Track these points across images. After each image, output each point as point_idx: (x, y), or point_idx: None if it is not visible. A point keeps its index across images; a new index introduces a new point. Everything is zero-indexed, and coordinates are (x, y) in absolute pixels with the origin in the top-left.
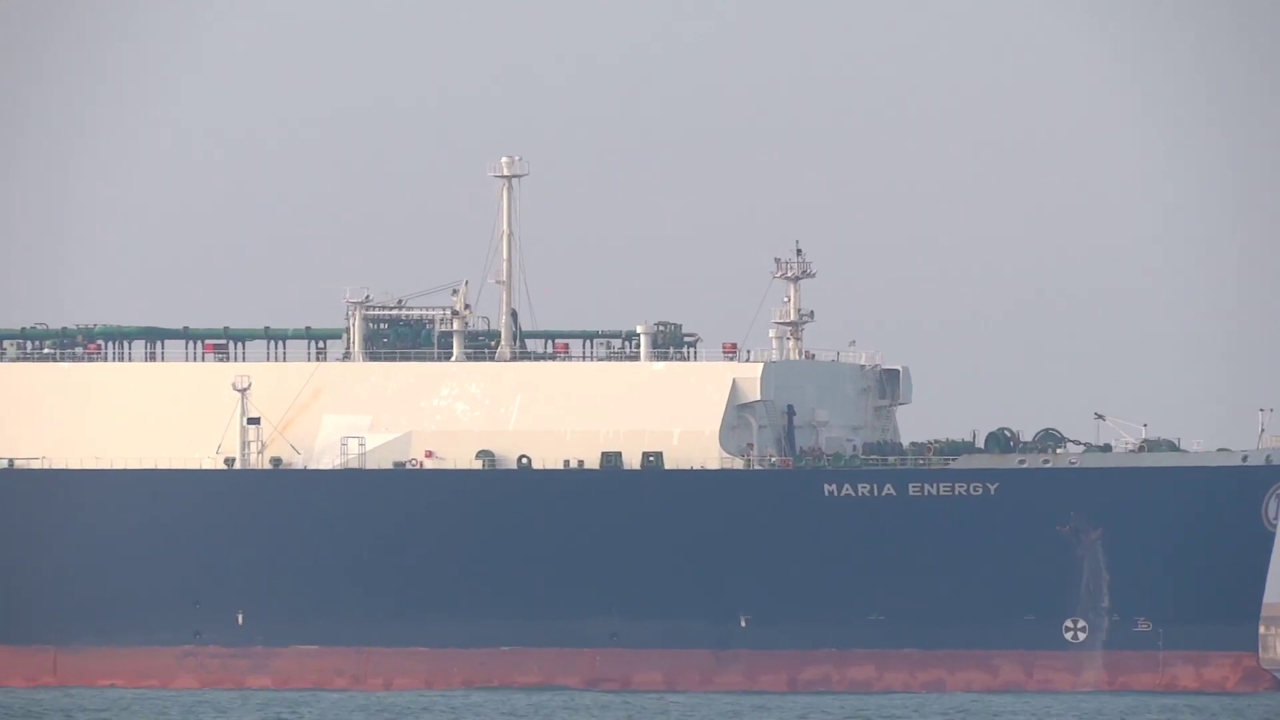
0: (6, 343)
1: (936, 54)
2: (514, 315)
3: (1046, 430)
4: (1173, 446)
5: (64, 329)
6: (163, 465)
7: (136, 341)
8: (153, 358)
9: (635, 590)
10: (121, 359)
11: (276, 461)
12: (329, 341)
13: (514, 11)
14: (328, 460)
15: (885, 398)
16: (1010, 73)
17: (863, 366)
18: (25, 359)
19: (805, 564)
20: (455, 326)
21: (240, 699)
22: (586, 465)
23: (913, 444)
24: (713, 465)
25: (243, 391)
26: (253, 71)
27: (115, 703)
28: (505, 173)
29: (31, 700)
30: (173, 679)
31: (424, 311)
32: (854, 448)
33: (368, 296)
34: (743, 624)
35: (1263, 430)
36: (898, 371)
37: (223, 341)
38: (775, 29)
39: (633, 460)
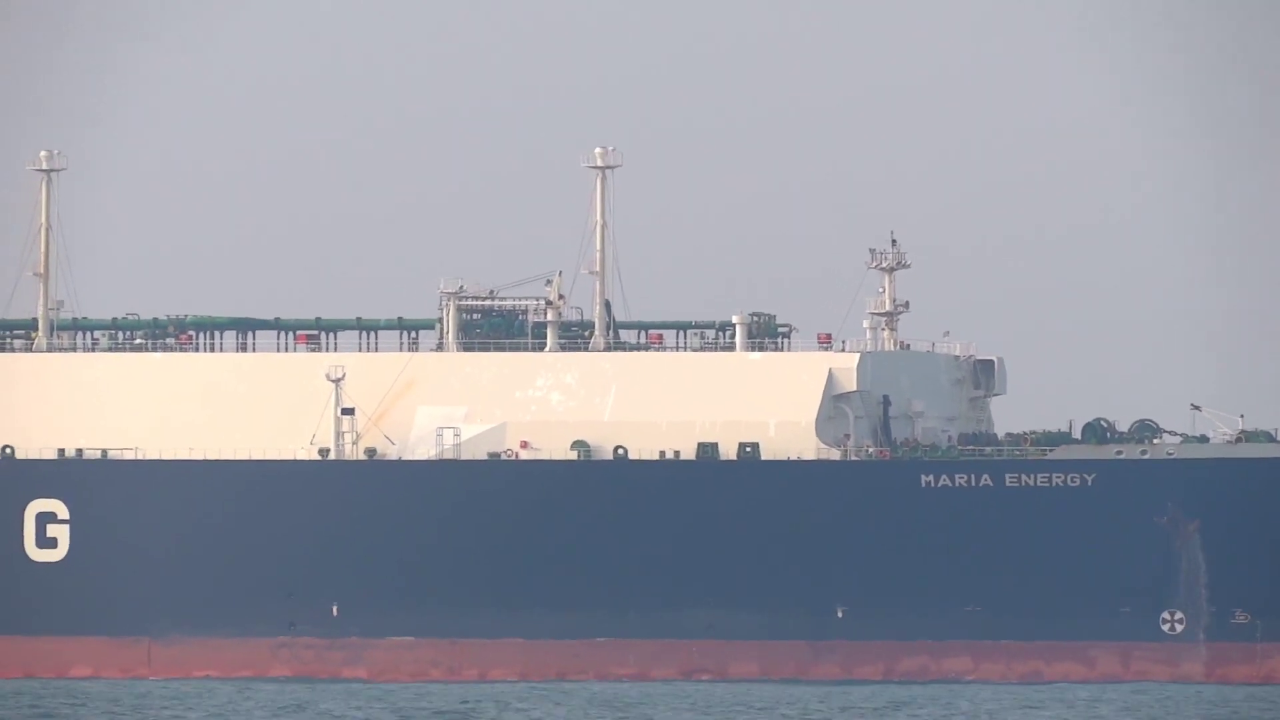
0: (98, 333)
1: (1019, 47)
2: (607, 306)
3: (1142, 421)
4: (1270, 438)
5: (155, 319)
6: (256, 456)
7: (228, 332)
8: (243, 348)
9: (732, 581)
10: (213, 349)
11: (371, 452)
12: (421, 332)
13: (602, 4)
14: (422, 451)
15: (979, 388)
16: (1089, 65)
17: (957, 357)
18: (117, 349)
19: (902, 555)
20: (549, 317)
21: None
22: (682, 456)
23: (1008, 435)
24: (809, 456)
25: (337, 382)
26: (347, 63)
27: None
28: (599, 163)
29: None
30: (267, 670)
31: (517, 302)
32: (949, 439)
33: (462, 287)
34: (839, 615)
35: None
36: (992, 362)
37: (314, 332)
38: (865, 20)
39: (729, 451)
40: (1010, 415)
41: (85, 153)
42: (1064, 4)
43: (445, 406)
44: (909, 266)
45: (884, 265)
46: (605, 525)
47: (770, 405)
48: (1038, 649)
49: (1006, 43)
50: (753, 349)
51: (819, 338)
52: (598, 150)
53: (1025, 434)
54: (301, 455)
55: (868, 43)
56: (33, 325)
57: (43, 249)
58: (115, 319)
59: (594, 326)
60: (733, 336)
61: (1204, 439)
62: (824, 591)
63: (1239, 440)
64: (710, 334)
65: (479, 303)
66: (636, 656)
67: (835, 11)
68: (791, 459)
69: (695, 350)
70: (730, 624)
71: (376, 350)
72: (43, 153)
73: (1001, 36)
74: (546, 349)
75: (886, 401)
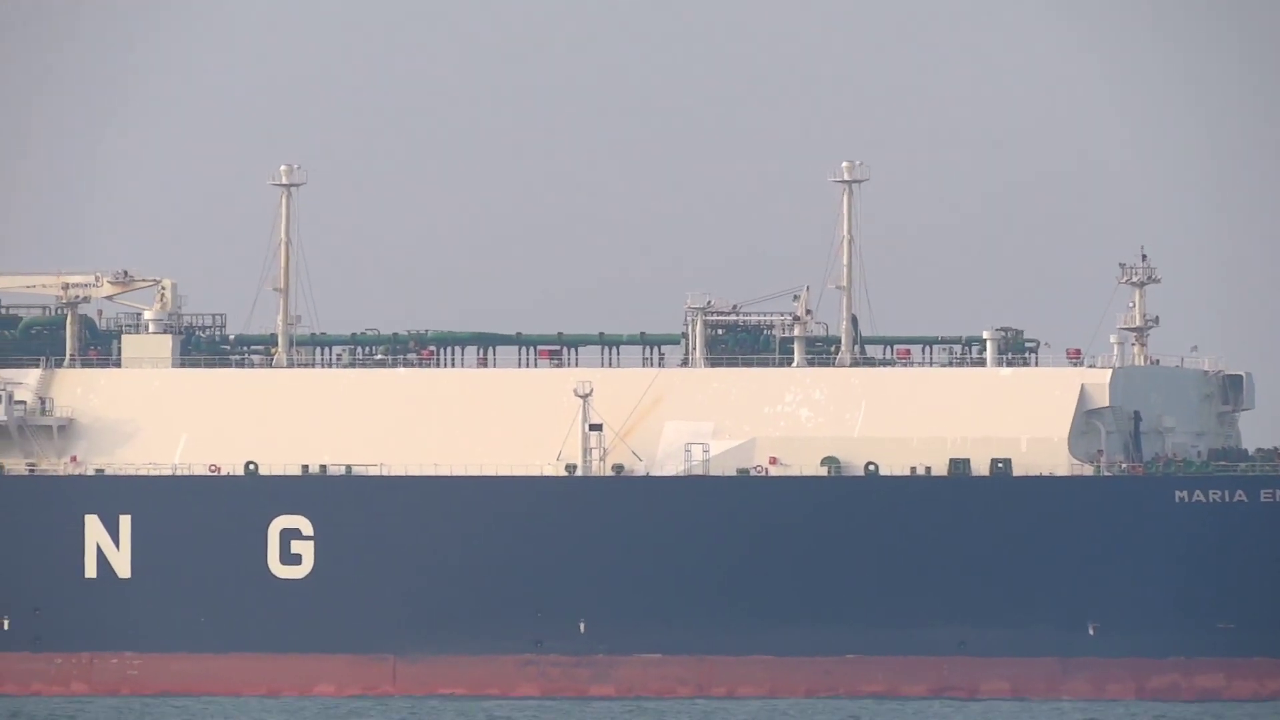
0: (339, 349)
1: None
2: (854, 320)
3: None
4: None
5: (395, 335)
6: (503, 472)
7: (469, 347)
8: (484, 363)
9: (983, 597)
10: (454, 365)
11: (618, 468)
12: (664, 347)
13: (850, 21)
14: (670, 467)
15: (1228, 403)
16: None
17: (1206, 372)
18: (358, 365)
19: (1154, 571)
20: (796, 332)
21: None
22: (934, 472)
23: (1259, 450)
24: (1062, 472)
25: (584, 398)
26: (594, 77)
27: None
28: (846, 177)
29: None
30: (513, 688)
31: (762, 317)
32: (1198, 454)
33: (709, 302)
34: (1091, 632)
35: None
36: (1241, 377)
37: (556, 347)
38: (1115, 30)
39: (981, 467)
40: (1259, 430)
41: (326, 167)
42: None
43: (693, 422)
44: (1159, 281)
45: (1134, 280)
46: (855, 541)
47: (1022, 421)
48: None
49: (1260, 52)
50: (1002, 364)
51: (1068, 353)
52: (845, 164)
53: (1277, 449)
54: (548, 471)
55: (1115, 51)
56: (272, 340)
57: (282, 264)
58: (354, 334)
59: (840, 341)
60: (979, 351)
61: None
62: (1075, 608)
63: None
64: (957, 349)
65: (725, 318)
66: (885, 673)
67: (1082, 24)
68: (1044, 475)
69: (944, 365)
70: (981, 640)
71: (618, 366)
72: (282, 167)
73: (1258, 47)
74: (794, 364)
75: (1138, 417)
